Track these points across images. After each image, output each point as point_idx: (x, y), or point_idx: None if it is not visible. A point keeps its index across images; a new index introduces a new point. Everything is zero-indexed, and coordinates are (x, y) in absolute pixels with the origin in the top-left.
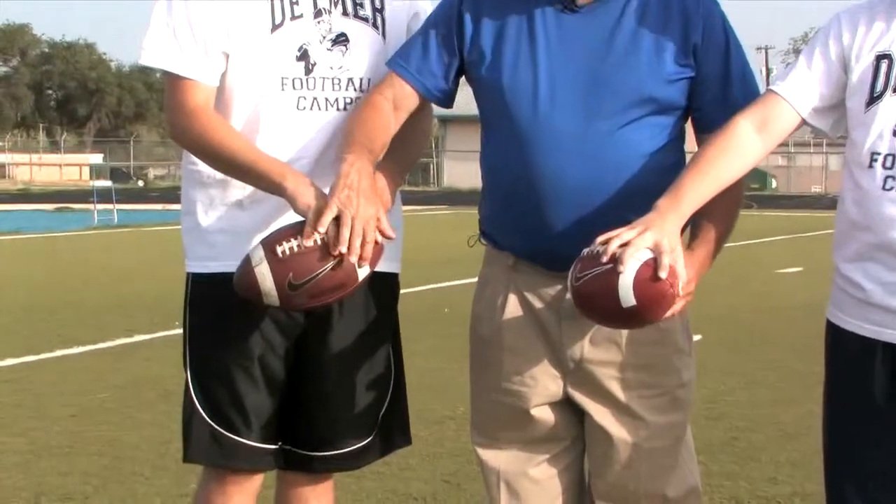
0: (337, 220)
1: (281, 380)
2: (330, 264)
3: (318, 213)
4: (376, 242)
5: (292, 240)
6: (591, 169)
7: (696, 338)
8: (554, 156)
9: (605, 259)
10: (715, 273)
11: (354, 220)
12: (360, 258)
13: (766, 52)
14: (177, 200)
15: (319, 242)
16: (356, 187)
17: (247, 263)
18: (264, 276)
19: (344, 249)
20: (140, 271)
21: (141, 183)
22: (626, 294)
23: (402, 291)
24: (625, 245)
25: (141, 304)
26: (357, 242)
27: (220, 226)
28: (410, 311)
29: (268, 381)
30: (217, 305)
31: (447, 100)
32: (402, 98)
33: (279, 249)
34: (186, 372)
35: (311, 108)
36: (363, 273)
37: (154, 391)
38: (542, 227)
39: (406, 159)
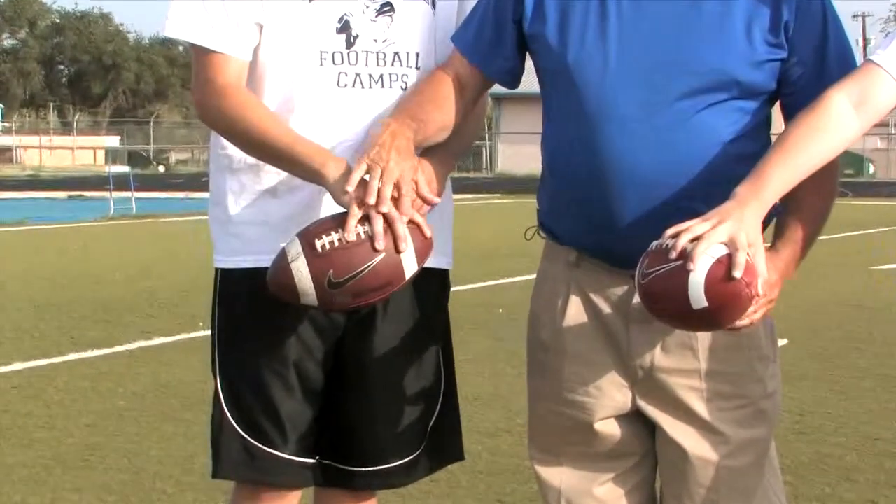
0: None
1: (319, 387)
2: (375, 260)
3: (360, 202)
4: (425, 237)
5: (333, 233)
6: (664, 155)
7: (782, 342)
8: (623, 139)
9: (673, 255)
10: (804, 269)
11: (384, 173)
12: (398, 244)
13: (864, 20)
14: (201, 188)
15: (363, 236)
16: (388, 145)
17: (282, 258)
18: (301, 272)
19: (372, 200)
20: (161, 266)
21: (162, 168)
22: (697, 294)
23: (452, 289)
24: (696, 239)
25: (162, 303)
26: (387, 192)
27: (253, 216)
28: (461, 312)
29: (305, 389)
30: (249, 304)
31: (513, 79)
32: (466, 77)
33: (318, 243)
34: (216, 378)
35: (352, 86)
36: (410, 269)
37: (177, 399)
38: (607, 219)
39: (458, 144)
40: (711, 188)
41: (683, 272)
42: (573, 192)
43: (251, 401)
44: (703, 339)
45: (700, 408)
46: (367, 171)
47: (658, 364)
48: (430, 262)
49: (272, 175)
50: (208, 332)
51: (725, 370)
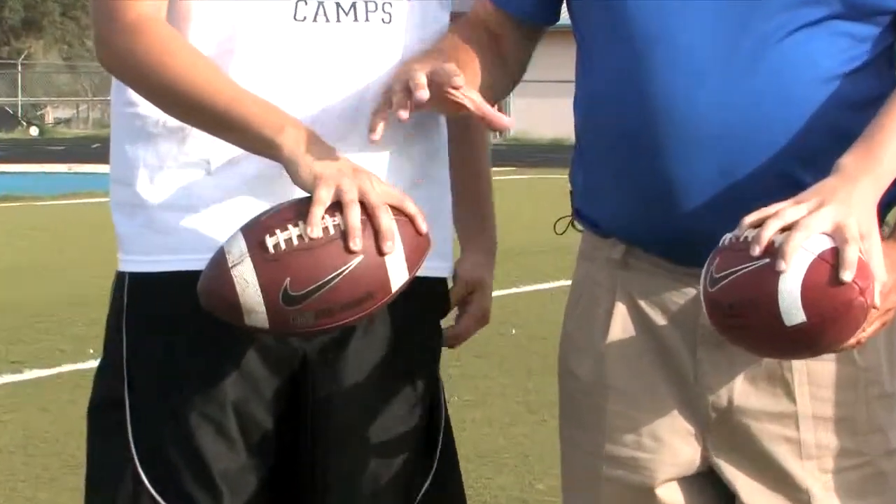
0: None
1: (268, 437)
2: (350, 265)
3: (329, 182)
4: (419, 233)
5: (291, 227)
6: (742, 97)
7: None
8: (686, 78)
9: (757, 250)
10: None
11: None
12: (381, 242)
13: None
14: (91, 158)
15: (333, 232)
16: None
17: (219, 262)
18: (246, 281)
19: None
20: (33, 272)
21: (35, 131)
22: (791, 305)
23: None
24: (788, 228)
25: (36, 324)
26: (382, 215)
27: (176, 199)
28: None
29: (248, 442)
30: (170, 323)
31: (547, 12)
32: (491, 22)
33: (270, 241)
34: (121, 428)
35: (314, 19)
36: (399, 278)
37: (58, 457)
38: (665, 193)
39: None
40: (809, 145)
41: (771, 274)
42: (619, 157)
43: (173, 457)
44: (802, 369)
45: (796, 468)
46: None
47: (739, 404)
48: (424, 269)
49: (205, 142)
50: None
51: (834, 415)
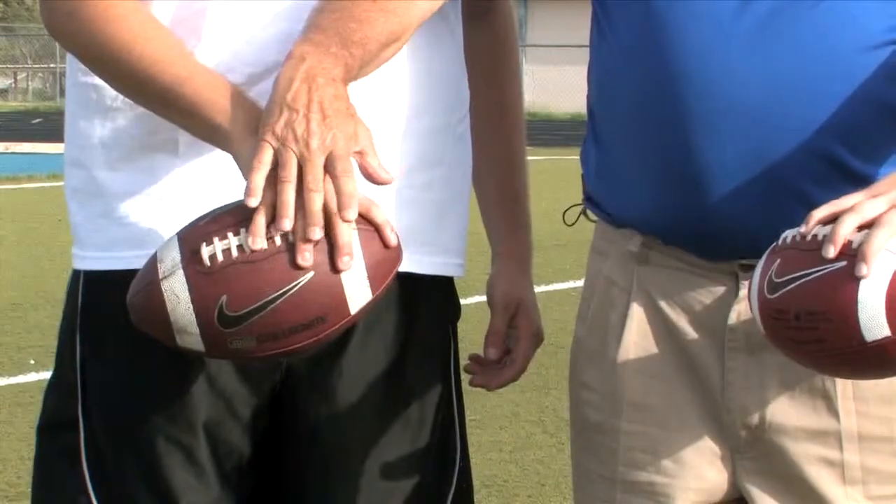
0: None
1: (244, 466)
2: (298, 283)
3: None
4: (387, 244)
5: (230, 235)
6: (780, 63)
7: None
8: (716, 40)
9: (832, 252)
10: None
11: (307, 159)
12: (335, 248)
13: None
14: (36, 137)
15: (279, 243)
16: (306, 103)
17: (149, 272)
18: (178, 297)
19: (287, 226)
20: None
21: None
22: (873, 317)
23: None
24: (867, 226)
25: None
26: (316, 207)
27: (139, 186)
28: (464, 342)
29: (221, 469)
30: (132, 330)
31: None
32: None
33: (206, 251)
34: (75, 454)
35: None
36: (359, 298)
37: None
38: (690, 174)
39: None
40: (856, 122)
41: (850, 280)
42: (637, 132)
43: (134, 490)
44: (846, 381)
45: (838, 494)
46: (275, 161)
47: (773, 420)
48: (429, 267)
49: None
50: (46, 377)
51: (882, 434)
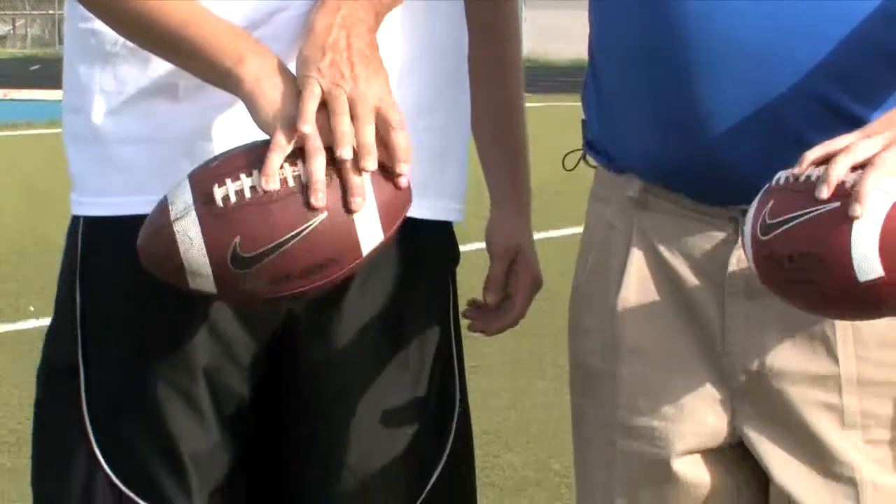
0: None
1: (245, 411)
2: (311, 224)
3: (290, 123)
4: (398, 186)
5: (243, 176)
6: (790, 6)
7: None
8: None
9: (825, 193)
10: None
11: (355, 102)
12: (348, 190)
13: None
14: (35, 83)
15: (292, 184)
16: (345, 47)
17: (161, 214)
18: (190, 238)
19: (348, 155)
20: None
21: None
22: (866, 257)
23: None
24: (861, 166)
25: None
26: (368, 138)
27: (138, 132)
28: (463, 289)
29: (221, 414)
30: (131, 276)
31: None
32: None
33: (219, 193)
34: (75, 398)
35: None
36: (371, 239)
37: None
38: (691, 117)
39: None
40: (853, 64)
41: (843, 221)
42: (637, 77)
43: (134, 435)
44: (846, 324)
45: (837, 438)
46: (325, 100)
47: (772, 365)
48: (428, 211)
49: (169, 64)
50: (46, 324)
51: (883, 379)
